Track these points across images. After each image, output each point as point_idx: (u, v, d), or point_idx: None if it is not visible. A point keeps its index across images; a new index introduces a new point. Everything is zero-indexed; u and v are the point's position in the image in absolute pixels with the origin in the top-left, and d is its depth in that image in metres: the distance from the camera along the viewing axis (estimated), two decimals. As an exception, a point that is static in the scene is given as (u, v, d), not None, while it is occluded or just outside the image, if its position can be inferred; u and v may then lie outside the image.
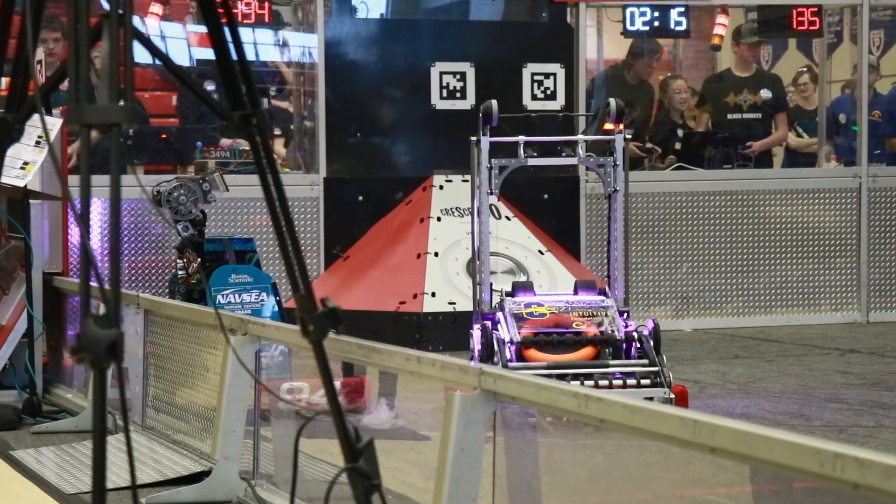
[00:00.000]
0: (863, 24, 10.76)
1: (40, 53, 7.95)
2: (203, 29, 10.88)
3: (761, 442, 2.63)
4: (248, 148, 10.14)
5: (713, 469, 3.42)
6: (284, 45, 10.75)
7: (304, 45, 10.49)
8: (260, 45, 10.58)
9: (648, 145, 10.87)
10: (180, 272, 7.27)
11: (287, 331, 4.58)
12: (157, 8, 10.18)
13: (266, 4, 10.00)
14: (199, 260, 7.13)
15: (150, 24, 10.32)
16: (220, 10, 3.06)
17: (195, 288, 7.14)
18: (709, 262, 10.45)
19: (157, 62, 8.61)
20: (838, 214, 10.56)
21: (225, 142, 10.08)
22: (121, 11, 2.68)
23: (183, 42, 11.05)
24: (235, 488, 4.89)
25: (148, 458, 5.38)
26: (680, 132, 10.98)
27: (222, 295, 7.02)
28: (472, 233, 7.01)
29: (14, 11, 3.05)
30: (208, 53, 11.25)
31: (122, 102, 2.64)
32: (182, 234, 7.34)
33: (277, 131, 10.55)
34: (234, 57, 3.12)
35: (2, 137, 3.05)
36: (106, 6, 2.72)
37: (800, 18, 10.83)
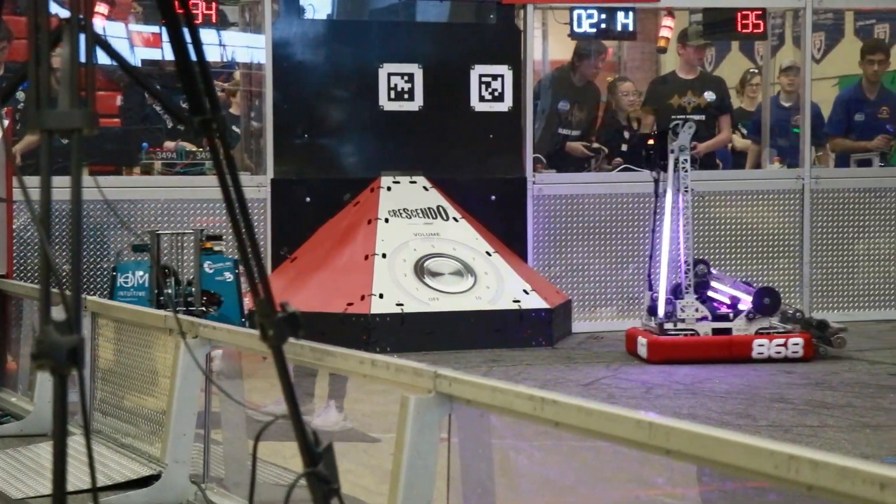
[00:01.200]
0: (806, 27, 10.87)
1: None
2: (147, 28, 10.86)
3: (716, 444, 2.67)
4: (194, 149, 10.11)
5: (667, 471, 3.46)
6: (232, 46, 10.72)
7: (252, 46, 10.46)
8: (207, 45, 10.53)
9: (595, 145, 10.93)
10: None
11: (238, 334, 4.57)
12: (102, 8, 10.11)
13: (213, 5, 9.96)
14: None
15: (95, 25, 10.25)
16: (181, 12, 3.05)
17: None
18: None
19: (105, 62, 8.56)
20: (781, 215, 10.67)
21: (169, 143, 10.03)
22: (80, 16, 2.67)
23: (126, 42, 10.98)
24: (185, 492, 4.88)
25: (95, 463, 5.33)
26: (626, 134, 11.06)
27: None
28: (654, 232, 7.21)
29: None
30: (154, 53, 11.18)
31: (82, 107, 2.64)
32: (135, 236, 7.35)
33: (237, 130, 10.52)
34: (194, 60, 3.12)
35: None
36: (64, 13, 2.71)
37: (744, 21, 10.93)
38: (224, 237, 7.76)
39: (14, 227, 7.83)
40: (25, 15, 2.68)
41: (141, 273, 7.42)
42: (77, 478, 4.23)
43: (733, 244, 10.62)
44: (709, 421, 6.43)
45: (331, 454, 3.22)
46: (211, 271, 7.34)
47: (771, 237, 10.67)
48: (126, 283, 7.31)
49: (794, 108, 11.30)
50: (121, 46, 10.65)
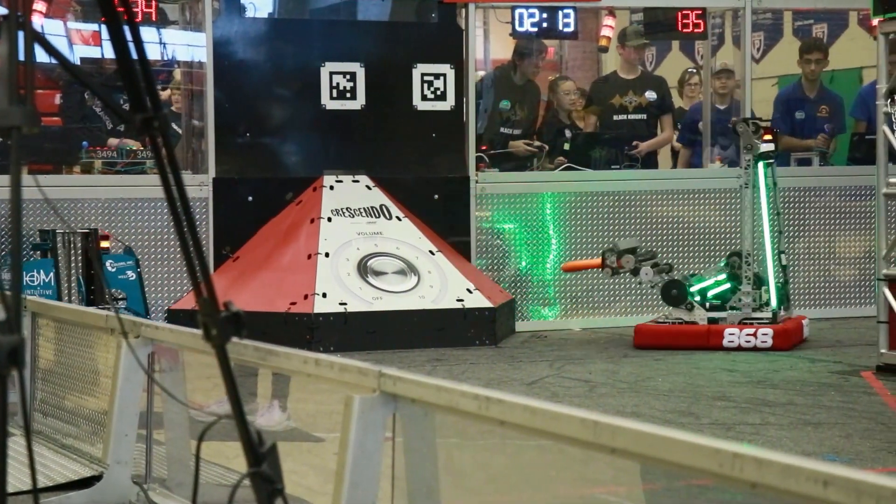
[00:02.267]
0: (745, 27, 10.95)
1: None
2: (86, 27, 10.77)
3: (661, 442, 2.67)
4: (135, 148, 10.03)
5: (612, 469, 3.46)
6: (172, 44, 10.66)
7: (192, 44, 10.39)
8: (147, 43, 10.46)
9: (537, 143, 10.95)
10: None
11: (181, 333, 4.54)
12: (40, 6, 10.01)
13: (153, 3, 9.89)
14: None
15: (34, 22, 10.15)
16: (121, 10, 3.02)
17: None
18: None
19: (44, 60, 8.49)
20: (723, 214, 10.74)
21: (112, 141, 9.95)
22: (19, 13, 2.64)
23: (65, 40, 10.89)
24: (127, 493, 4.84)
25: (36, 464, 5.28)
26: (568, 133, 11.09)
27: None
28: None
29: None
30: (93, 52, 11.08)
31: (21, 105, 2.60)
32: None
33: (179, 130, 10.45)
34: (135, 58, 3.09)
35: None
36: (2, 10, 2.68)
37: (685, 21, 10.99)
38: (111, 237, 7.84)
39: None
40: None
41: (45, 272, 7.40)
42: (18, 479, 4.18)
43: (677, 243, 10.68)
44: (652, 419, 6.46)
45: (275, 454, 3.20)
46: (113, 270, 7.35)
47: (713, 236, 10.74)
48: (32, 281, 7.28)
49: (728, 110, 11.37)
50: (60, 44, 10.56)
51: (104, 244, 7.47)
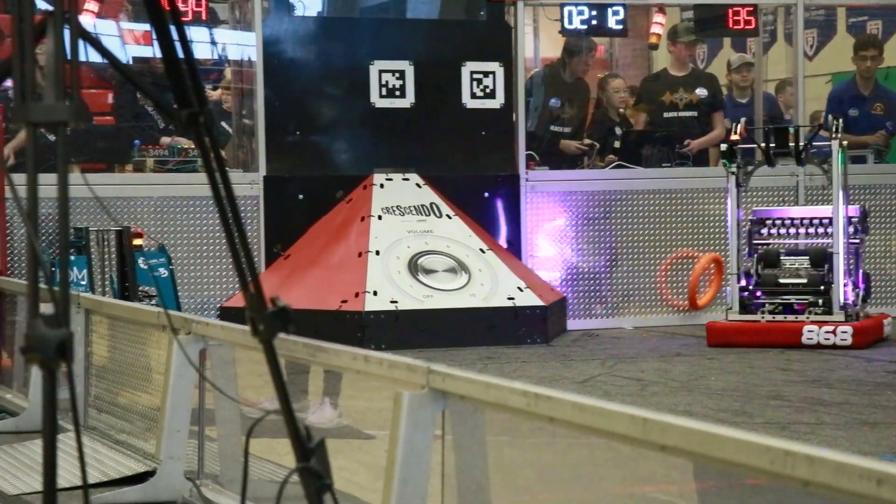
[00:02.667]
0: (798, 24, 10.86)
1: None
2: (138, 27, 10.84)
3: (712, 440, 2.64)
4: (187, 146, 10.09)
5: (663, 468, 3.44)
6: (222, 43, 10.70)
7: (242, 44, 10.43)
8: (197, 43, 10.51)
9: (587, 141, 10.91)
10: None
11: (231, 330, 4.54)
12: (92, 5, 10.08)
13: (203, 2, 9.93)
14: None
15: (85, 22, 10.22)
16: (167, 7, 3.03)
17: None
18: (649, 260, 10.51)
19: (97, 60, 8.55)
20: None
21: (164, 140, 10.00)
22: (66, 9, 2.65)
23: (117, 40, 10.96)
24: (180, 488, 4.86)
25: (90, 459, 5.31)
26: (618, 130, 11.04)
27: None
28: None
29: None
30: (144, 51, 11.16)
31: (68, 101, 2.61)
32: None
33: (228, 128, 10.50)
34: (181, 54, 3.09)
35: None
36: (47, 6, 2.69)
37: (735, 17, 10.91)
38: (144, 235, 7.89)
39: (7, 225, 7.81)
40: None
41: (77, 269, 7.43)
42: (72, 474, 4.21)
43: (728, 241, 10.59)
44: (705, 418, 6.41)
45: (323, 449, 3.20)
46: (146, 267, 7.38)
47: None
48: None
49: (748, 104, 11.28)
50: (111, 44, 10.62)
51: (137, 241, 7.51)
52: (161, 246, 8.33)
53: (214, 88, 10.77)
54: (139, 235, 7.63)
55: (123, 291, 7.21)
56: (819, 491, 2.39)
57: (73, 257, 7.32)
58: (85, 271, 7.30)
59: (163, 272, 7.41)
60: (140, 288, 7.38)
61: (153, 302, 7.26)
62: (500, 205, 10.23)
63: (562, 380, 7.80)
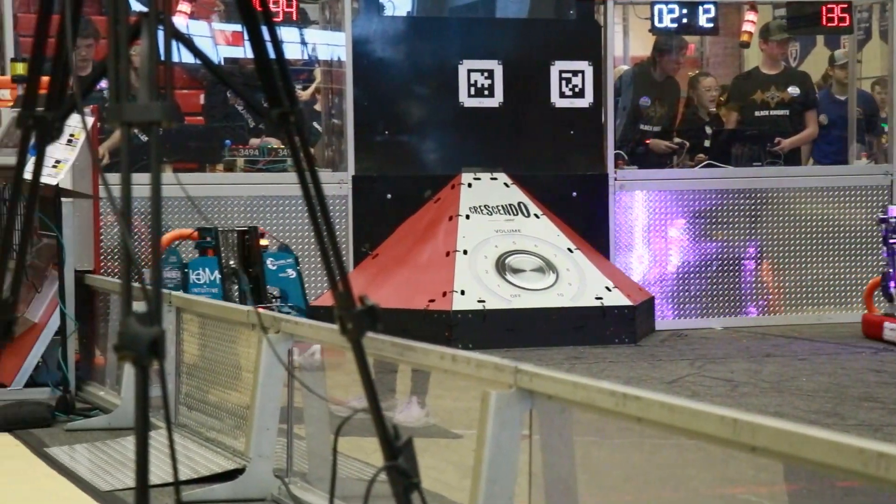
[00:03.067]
0: (893, 21, 10.70)
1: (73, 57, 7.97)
2: (229, 27, 10.95)
3: (803, 441, 2.62)
4: (276, 146, 10.17)
5: (753, 469, 3.40)
6: (312, 43, 10.78)
7: (332, 44, 10.50)
8: (288, 43, 10.60)
9: (678, 140, 10.83)
10: None
11: (320, 329, 4.57)
12: (185, 6, 10.20)
13: (294, 3, 10.01)
14: None
15: (178, 23, 10.35)
16: (260, 9, 3.06)
17: None
18: (739, 260, 10.42)
19: (189, 61, 8.65)
20: (868, 211, 10.51)
21: (254, 140, 10.09)
22: (160, 10, 2.69)
23: (209, 40, 11.08)
24: (269, 486, 4.89)
25: (181, 456, 5.37)
26: (708, 129, 10.95)
27: None
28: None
29: (53, 11, 3.05)
30: (235, 52, 11.27)
31: (161, 101, 2.65)
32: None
33: (319, 127, 10.56)
34: (272, 55, 3.12)
35: (42, 135, 3.05)
36: (141, 7, 2.72)
37: (829, 15, 10.77)
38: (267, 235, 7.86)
39: (101, 224, 7.92)
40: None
41: (209, 270, 7.40)
42: (164, 471, 4.25)
43: (820, 241, 10.48)
44: (795, 419, 6.34)
45: (411, 448, 3.21)
46: (274, 268, 7.37)
47: (858, 233, 10.52)
48: (199, 279, 7.33)
49: (847, 101, 11.13)
50: (204, 44, 10.74)
51: (263, 241, 7.49)
52: (285, 245, 8.35)
53: (304, 88, 10.85)
54: (263, 235, 7.61)
55: (253, 293, 7.13)
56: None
57: (201, 258, 7.28)
58: (217, 272, 7.26)
59: (291, 273, 7.38)
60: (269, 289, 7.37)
61: (276, 304, 7.21)
62: (588, 204, 10.19)
63: (650, 380, 7.75)
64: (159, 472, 4.28)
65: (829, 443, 2.54)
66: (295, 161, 3.20)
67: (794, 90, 10.97)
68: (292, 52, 10.73)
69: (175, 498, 2.77)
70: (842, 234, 10.51)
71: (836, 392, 7.25)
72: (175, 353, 5.93)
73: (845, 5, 10.71)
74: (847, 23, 10.79)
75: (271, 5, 9.87)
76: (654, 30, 10.65)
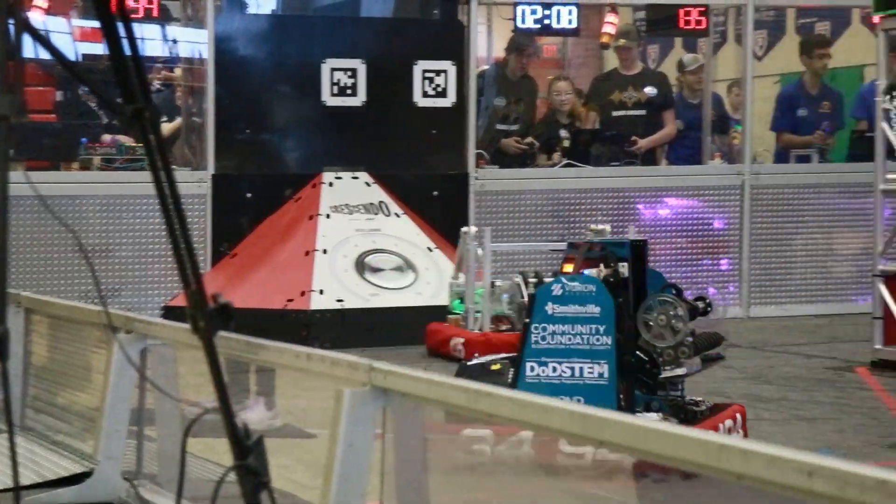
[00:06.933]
0: (747, 25, 10.92)
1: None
2: (88, 23, 10.76)
3: (647, 434, 2.67)
4: (132, 144, 9.98)
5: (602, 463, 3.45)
6: (173, 40, 10.65)
7: (194, 41, 10.38)
8: (148, 40, 10.45)
9: (527, 140, 10.87)
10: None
11: (174, 329, 4.52)
12: (41, 1, 10.01)
13: (155, 0, 9.88)
14: None
15: (35, 18, 10.14)
16: (114, 3, 3.02)
17: None
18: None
19: (39, 56, 8.48)
20: (722, 211, 10.72)
21: (105, 137, 9.93)
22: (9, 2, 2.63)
23: (68, 36, 10.87)
24: (117, 489, 4.81)
25: (26, 460, 5.24)
26: (563, 132, 10.99)
27: None
28: None
29: None
30: (95, 48, 11.07)
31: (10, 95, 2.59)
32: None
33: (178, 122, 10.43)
34: (127, 51, 3.08)
35: None
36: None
37: (687, 18, 10.97)
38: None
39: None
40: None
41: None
42: (6, 475, 4.16)
43: (676, 239, 10.66)
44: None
45: (261, 447, 3.19)
46: None
47: (711, 232, 10.72)
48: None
49: (699, 105, 11.36)
50: (61, 40, 10.54)
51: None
52: None
53: (171, 70, 10.69)
54: None
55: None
56: (752, 483, 2.41)
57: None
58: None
59: None
60: None
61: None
62: (449, 203, 10.22)
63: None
64: (2, 476, 4.19)
65: (672, 435, 2.60)
66: (149, 158, 3.16)
67: (650, 90, 11.14)
68: (154, 49, 10.58)
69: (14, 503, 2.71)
70: (695, 232, 10.68)
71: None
72: (23, 355, 5.79)
73: (702, 9, 10.91)
74: (703, 26, 11.00)
75: (131, 2, 9.73)
76: (516, 30, 10.73)
